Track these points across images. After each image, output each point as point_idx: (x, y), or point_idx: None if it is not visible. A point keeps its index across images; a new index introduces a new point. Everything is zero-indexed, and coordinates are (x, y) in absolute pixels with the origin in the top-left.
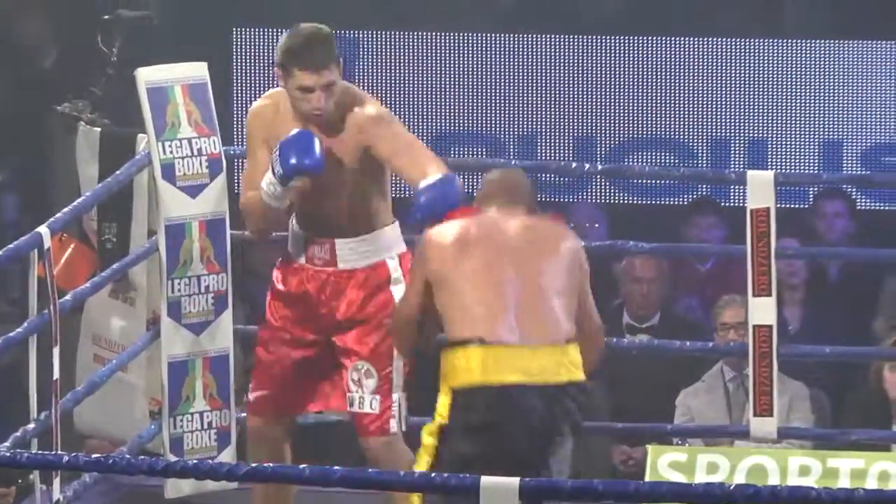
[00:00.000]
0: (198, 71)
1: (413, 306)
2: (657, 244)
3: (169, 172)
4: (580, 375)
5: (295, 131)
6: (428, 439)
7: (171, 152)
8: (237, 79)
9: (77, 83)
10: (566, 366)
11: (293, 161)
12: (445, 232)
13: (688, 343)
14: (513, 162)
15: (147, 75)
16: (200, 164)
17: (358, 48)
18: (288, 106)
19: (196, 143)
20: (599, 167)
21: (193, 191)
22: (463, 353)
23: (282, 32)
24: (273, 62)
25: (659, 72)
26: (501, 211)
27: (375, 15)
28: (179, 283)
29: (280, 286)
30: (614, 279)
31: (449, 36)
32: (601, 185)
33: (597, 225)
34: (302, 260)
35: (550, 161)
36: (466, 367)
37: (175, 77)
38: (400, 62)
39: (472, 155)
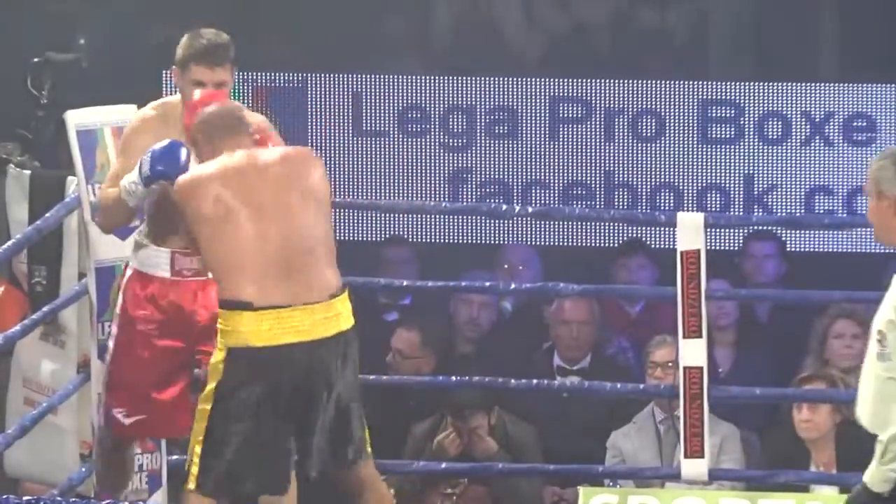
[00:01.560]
0: (127, 113)
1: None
2: (587, 286)
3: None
4: (347, 324)
5: (168, 141)
6: (203, 406)
7: None
8: None
9: (6, 125)
10: (332, 319)
11: (160, 167)
12: (205, 177)
13: (619, 385)
14: (443, 204)
15: (76, 118)
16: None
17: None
18: (176, 117)
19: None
20: (529, 210)
21: (123, 233)
22: (239, 316)
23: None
24: None
25: (598, 114)
26: (233, 147)
27: (301, 58)
28: (110, 326)
29: (141, 305)
30: (545, 321)
31: (378, 78)
32: (532, 227)
33: (526, 267)
34: (166, 274)
35: (481, 203)
36: (242, 330)
37: (105, 119)
38: (332, 105)
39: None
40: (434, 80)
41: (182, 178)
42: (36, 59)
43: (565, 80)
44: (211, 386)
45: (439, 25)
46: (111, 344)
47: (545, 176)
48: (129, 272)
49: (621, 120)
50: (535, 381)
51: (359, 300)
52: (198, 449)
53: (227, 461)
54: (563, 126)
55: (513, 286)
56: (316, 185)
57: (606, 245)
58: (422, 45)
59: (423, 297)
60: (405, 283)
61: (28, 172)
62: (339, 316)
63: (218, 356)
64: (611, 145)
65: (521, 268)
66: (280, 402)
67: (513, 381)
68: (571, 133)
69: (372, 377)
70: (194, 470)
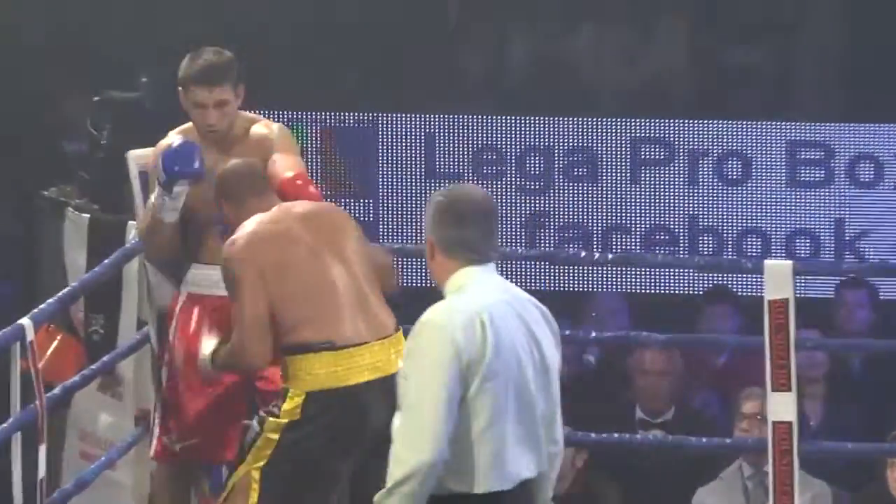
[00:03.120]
0: None
1: (263, 313)
2: (671, 335)
3: None
4: None
5: (176, 141)
6: (272, 435)
7: None
8: None
9: (65, 167)
10: (400, 353)
11: (176, 168)
12: (259, 228)
13: (704, 439)
14: (519, 250)
15: (138, 157)
16: None
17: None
18: (197, 139)
19: None
20: (609, 256)
21: None
22: (316, 359)
23: (275, 114)
24: None
25: (681, 155)
26: (265, 202)
27: (371, 97)
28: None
29: (193, 324)
30: (628, 372)
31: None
32: (612, 274)
33: (615, 316)
34: (223, 292)
35: (559, 249)
36: (320, 372)
37: None
38: (403, 146)
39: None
40: (510, 120)
41: (233, 247)
42: (96, 98)
43: (647, 120)
44: (283, 422)
45: (516, 63)
46: (164, 372)
47: (626, 220)
48: (182, 298)
49: (706, 162)
50: (616, 434)
51: None
52: (256, 475)
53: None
54: (645, 168)
55: (593, 335)
56: (351, 230)
57: (690, 292)
58: (497, 83)
59: None
60: None
61: (87, 216)
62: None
63: (294, 401)
64: (695, 188)
65: (608, 317)
66: (353, 444)
67: (593, 434)
68: (653, 175)
69: None
70: (254, 498)
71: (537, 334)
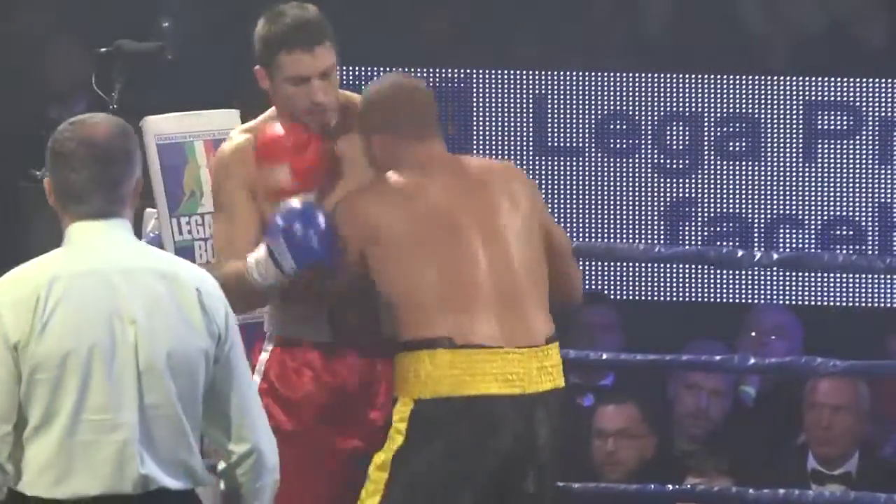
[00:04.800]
0: (227, 121)
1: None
2: (854, 362)
3: (187, 259)
4: (562, 381)
5: (300, 208)
6: (377, 474)
7: (190, 232)
8: None
9: None
10: (547, 371)
11: (310, 259)
12: (379, 190)
13: None
14: (657, 248)
15: (158, 127)
16: None
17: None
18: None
19: None
20: (775, 256)
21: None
22: (431, 357)
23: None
24: None
25: (870, 125)
26: (421, 146)
27: (467, 49)
28: None
29: (291, 385)
30: (799, 408)
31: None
32: (779, 281)
33: (781, 336)
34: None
35: (709, 247)
36: (435, 374)
37: (196, 130)
38: (506, 112)
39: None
40: (646, 78)
41: (357, 194)
42: (104, 50)
43: (826, 79)
44: (390, 450)
45: (655, 8)
46: None
47: (797, 210)
48: (268, 346)
49: None
50: (781, 491)
51: None
52: None
53: None
54: (823, 142)
55: (752, 361)
56: (523, 201)
57: (881, 305)
58: (629, 33)
59: (630, 375)
60: (605, 356)
61: None
62: (555, 367)
63: (401, 412)
64: (888, 168)
65: (773, 337)
66: (481, 474)
67: (751, 490)
68: (834, 151)
69: (577, 486)
70: None
71: (142, 317)
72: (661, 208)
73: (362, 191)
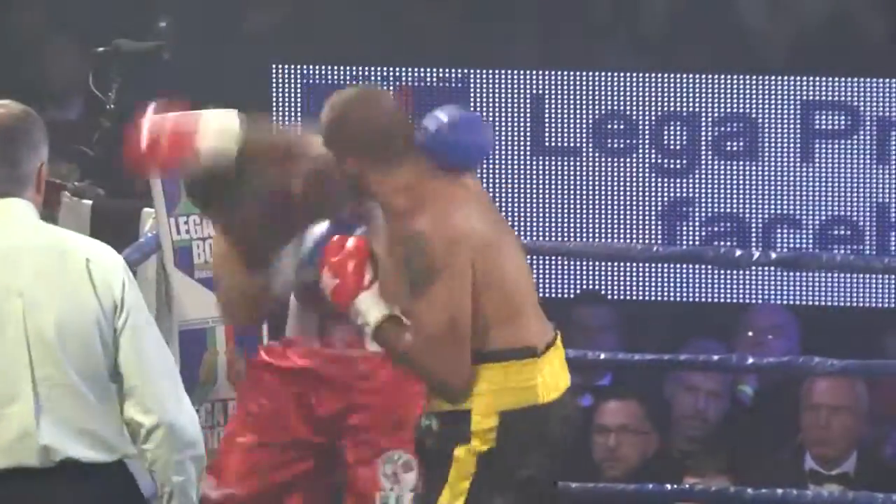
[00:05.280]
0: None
1: (468, 313)
2: (851, 361)
3: (184, 259)
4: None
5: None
6: (466, 467)
7: (189, 232)
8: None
9: (60, 139)
10: (565, 365)
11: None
12: (462, 211)
13: (895, 496)
14: (655, 248)
15: None
16: None
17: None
18: None
19: None
20: (773, 255)
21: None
22: (517, 367)
23: (332, 69)
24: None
25: (868, 125)
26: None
27: (464, 49)
28: (199, 411)
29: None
30: (796, 408)
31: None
32: (777, 280)
33: (779, 336)
34: (315, 343)
35: (707, 247)
36: (523, 386)
37: None
38: (503, 111)
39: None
40: (644, 78)
41: (442, 205)
42: (101, 49)
43: (823, 79)
44: (466, 483)
45: (652, 7)
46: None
47: (794, 209)
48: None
49: None
50: (779, 490)
51: None
52: None
53: None
54: (821, 141)
55: (750, 361)
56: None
57: (878, 305)
58: (628, 32)
59: (628, 376)
60: (603, 356)
61: (88, 203)
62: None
63: (484, 424)
64: (886, 168)
65: (770, 337)
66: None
67: (750, 490)
68: (832, 151)
69: (574, 485)
70: None
71: (28, 290)
72: (659, 208)
73: (442, 200)
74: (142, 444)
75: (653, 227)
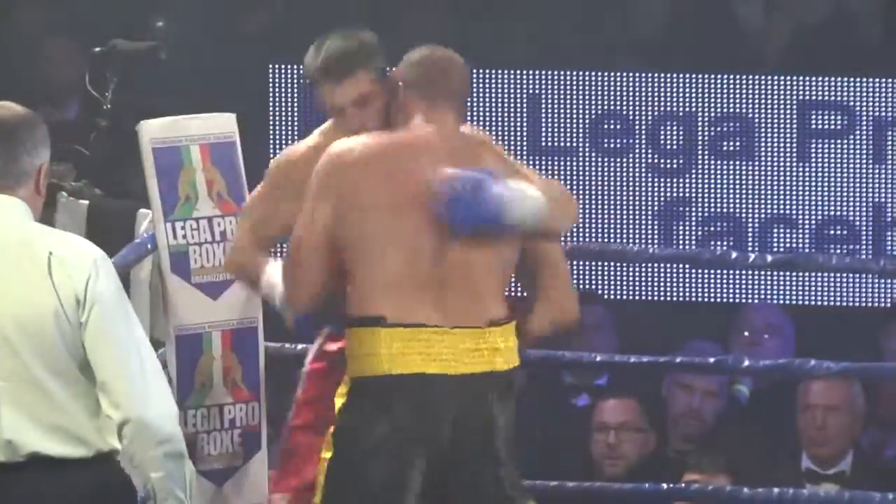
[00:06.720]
0: (223, 125)
1: (320, 234)
2: (848, 363)
3: (181, 264)
4: (507, 366)
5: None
6: (324, 454)
7: (185, 236)
8: (276, 134)
9: (56, 139)
10: (486, 354)
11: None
12: (356, 152)
13: (892, 495)
14: (651, 248)
15: (153, 131)
16: (224, 254)
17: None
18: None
19: (219, 223)
20: (769, 257)
21: (214, 289)
22: (368, 335)
23: None
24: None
25: (864, 125)
26: (433, 113)
27: (460, 49)
28: (195, 415)
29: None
30: (792, 408)
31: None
32: (773, 281)
33: (774, 336)
34: None
35: (703, 248)
36: (369, 353)
37: (192, 133)
38: (500, 111)
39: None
40: (640, 78)
41: (347, 150)
42: (98, 49)
43: (819, 79)
44: (331, 429)
45: (649, 7)
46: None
47: (791, 210)
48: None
49: None
50: (776, 489)
51: (538, 379)
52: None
53: None
54: (817, 141)
55: (746, 362)
56: None
57: (875, 306)
58: (625, 32)
59: (624, 375)
60: (599, 358)
61: (85, 203)
62: (496, 351)
63: (342, 389)
64: (882, 168)
65: (765, 336)
66: (415, 458)
67: (746, 489)
68: (828, 151)
69: (571, 484)
70: None
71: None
72: (655, 209)
73: (352, 147)
74: (120, 440)
75: (649, 227)
